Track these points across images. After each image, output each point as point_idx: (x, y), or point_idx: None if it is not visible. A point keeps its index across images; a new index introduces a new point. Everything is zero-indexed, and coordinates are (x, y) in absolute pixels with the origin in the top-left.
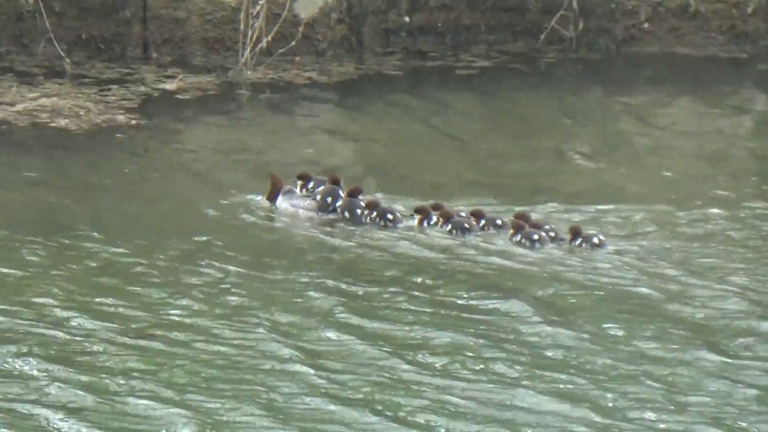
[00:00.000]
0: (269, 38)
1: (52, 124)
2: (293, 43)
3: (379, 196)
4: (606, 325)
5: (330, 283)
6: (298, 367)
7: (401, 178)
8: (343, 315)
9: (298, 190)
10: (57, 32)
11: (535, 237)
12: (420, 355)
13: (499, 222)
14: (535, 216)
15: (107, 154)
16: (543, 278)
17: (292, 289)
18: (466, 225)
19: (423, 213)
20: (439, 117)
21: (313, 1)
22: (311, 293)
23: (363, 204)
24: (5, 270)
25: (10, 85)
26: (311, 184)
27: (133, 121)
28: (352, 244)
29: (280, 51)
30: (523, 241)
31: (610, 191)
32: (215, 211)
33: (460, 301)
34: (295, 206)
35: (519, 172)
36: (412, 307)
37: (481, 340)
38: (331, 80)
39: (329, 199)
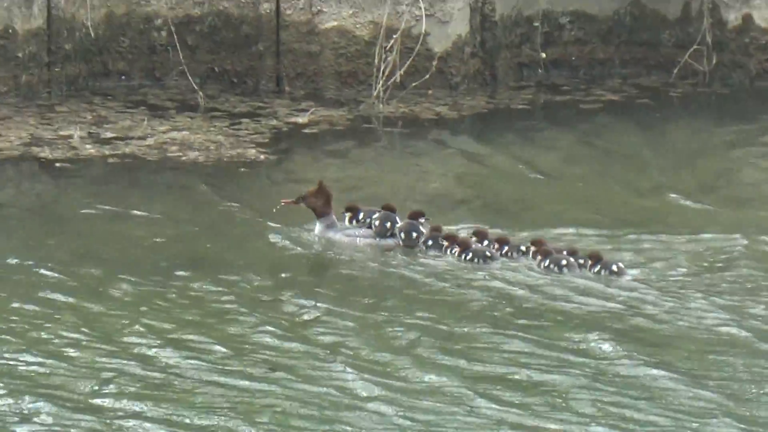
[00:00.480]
0: (402, 72)
1: (183, 158)
2: (427, 76)
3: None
4: (699, 364)
5: (413, 318)
6: (384, 408)
7: (519, 210)
8: (430, 351)
9: (346, 222)
10: (189, 65)
11: (564, 263)
12: (507, 393)
13: (522, 248)
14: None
15: (233, 189)
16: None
17: (375, 325)
18: (488, 253)
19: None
20: (553, 151)
21: (446, 35)
22: (399, 329)
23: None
24: (97, 306)
25: (142, 118)
26: (361, 216)
27: (262, 156)
28: (430, 277)
29: (414, 84)
30: (551, 266)
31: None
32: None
33: (545, 339)
34: (350, 236)
35: (634, 209)
36: (498, 342)
37: (573, 379)
38: (462, 114)
39: (388, 224)
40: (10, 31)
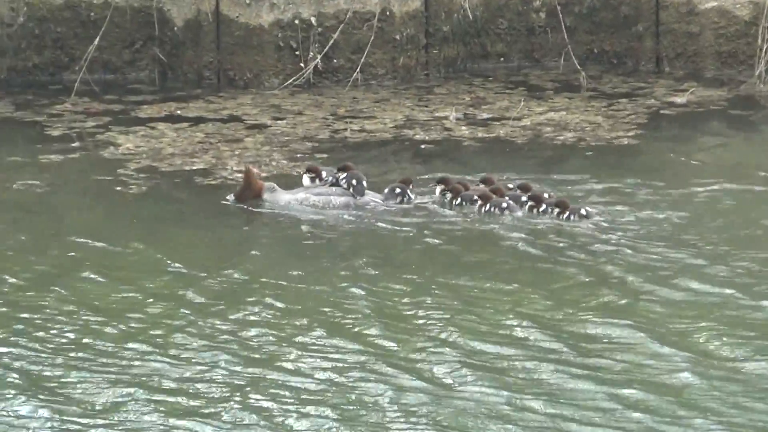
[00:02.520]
0: None
1: (555, 141)
2: None
3: None
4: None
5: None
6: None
7: None
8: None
9: (308, 182)
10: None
11: (504, 205)
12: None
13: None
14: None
15: (608, 169)
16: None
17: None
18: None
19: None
20: None
21: None
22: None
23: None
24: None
25: (519, 99)
26: (324, 175)
27: (636, 137)
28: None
29: None
30: (493, 210)
31: None
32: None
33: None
34: (322, 195)
35: None
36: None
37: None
38: None
39: (364, 183)
40: (388, 13)
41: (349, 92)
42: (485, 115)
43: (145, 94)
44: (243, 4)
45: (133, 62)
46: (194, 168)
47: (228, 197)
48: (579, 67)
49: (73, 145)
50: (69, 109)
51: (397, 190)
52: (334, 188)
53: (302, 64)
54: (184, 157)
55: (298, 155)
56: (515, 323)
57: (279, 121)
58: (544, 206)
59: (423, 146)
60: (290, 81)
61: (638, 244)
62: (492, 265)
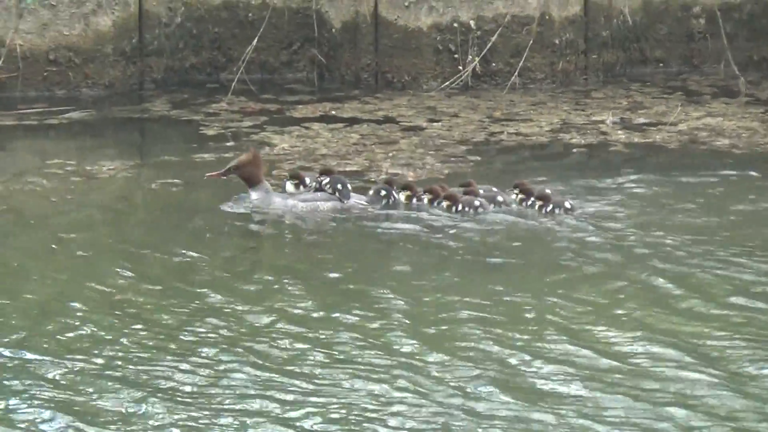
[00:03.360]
0: None
1: (707, 146)
2: None
3: None
4: None
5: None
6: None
7: None
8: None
9: (291, 188)
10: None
11: (477, 203)
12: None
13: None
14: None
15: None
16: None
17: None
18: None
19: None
20: None
21: None
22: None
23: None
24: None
25: (677, 104)
26: (308, 181)
27: None
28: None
29: None
30: (466, 209)
31: None
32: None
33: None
34: (308, 200)
35: None
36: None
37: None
38: None
39: (349, 186)
40: (547, 17)
41: (506, 95)
42: (641, 120)
43: (301, 94)
44: (401, 6)
45: (291, 63)
46: (347, 169)
47: (224, 171)
48: (738, 73)
49: (228, 144)
50: (225, 108)
51: (383, 192)
52: (319, 194)
53: (460, 67)
54: (337, 159)
55: (452, 159)
56: (546, 332)
57: (434, 123)
58: (531, 199)
59: (574, 150)
60: (447, 83)
61: None
62: (517, 268)
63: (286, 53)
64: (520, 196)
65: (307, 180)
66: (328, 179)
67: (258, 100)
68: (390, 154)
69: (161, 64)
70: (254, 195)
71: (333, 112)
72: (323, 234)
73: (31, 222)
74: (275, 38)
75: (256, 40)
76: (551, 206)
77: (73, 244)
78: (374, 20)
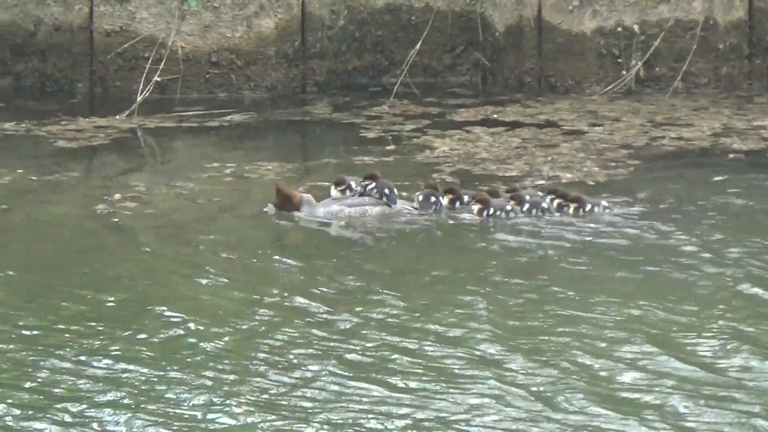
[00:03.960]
0: None
1: None
2: None
3: None
4: None
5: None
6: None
7: None
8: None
9: (336, 193)
10: None
11: (509, 208)
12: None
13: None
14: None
15: None
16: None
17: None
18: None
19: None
20: None
21: None
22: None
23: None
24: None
25: None
26: (353, 185)
27: None
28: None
29: None
30: (497, 213)
31: None
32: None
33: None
34: (356, 205)
35: None
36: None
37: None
38: None
39: (396, 191)
40: (711, 22)
41: (668, 99)
42: None
43: (464, 97)
44: (565, 10)
45: (454, 67)
46: (506, 174)
47: (265, 208)
48: None
49: (388, 147)
50: (387, 112)
51: (432, 199)
52: (366, 198)
53: (623, 72)
54: (497, 163)
55: (612, 163)
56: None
57: (596, 128)
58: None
59: (731, 155)
60: (610, 87)
61: None
62: (603, 274)
63: (449, 57)
64: (557, 200)
65: (353, 185)
66: (374, 184)
67: (420, 103)
68: (549, 158)
69: (323, 67)
70: (303, 209)
71: (494, 116)
72: (399, 240)
73: (194, 227)
74: (438, 42)
75: (419, 44)
76: (589, 206)
77: (227, 249)
78: (538, 24)
